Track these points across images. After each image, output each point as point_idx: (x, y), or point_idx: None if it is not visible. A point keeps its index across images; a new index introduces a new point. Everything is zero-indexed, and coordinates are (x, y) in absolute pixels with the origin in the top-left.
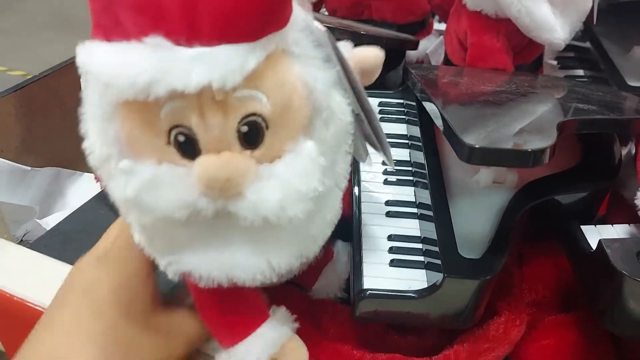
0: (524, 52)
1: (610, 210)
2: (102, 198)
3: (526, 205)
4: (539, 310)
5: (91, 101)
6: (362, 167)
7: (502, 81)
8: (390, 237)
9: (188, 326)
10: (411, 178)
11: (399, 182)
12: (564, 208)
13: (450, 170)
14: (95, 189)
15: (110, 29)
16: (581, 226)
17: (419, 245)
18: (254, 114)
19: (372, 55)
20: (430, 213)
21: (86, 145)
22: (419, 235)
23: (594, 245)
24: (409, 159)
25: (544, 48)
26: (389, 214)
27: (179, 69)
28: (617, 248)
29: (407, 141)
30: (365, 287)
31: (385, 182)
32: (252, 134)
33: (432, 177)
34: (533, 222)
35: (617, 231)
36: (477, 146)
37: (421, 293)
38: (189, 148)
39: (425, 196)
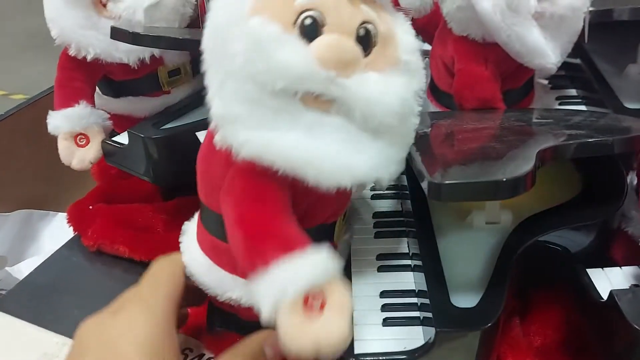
0: (513, 76)
1: (617, 248)
2: (74, 243)
3: (522, 245)
4: (548, 357)
5: None
6: (354, 221)
7: (487, 118)
8: (383, 294)
9: None
10: (403, 229)
11: (391, 234)
12: (565, 248)
13: (441, 216)
14: (69, 233)
15: None
16: (587, 270)
17: (414, 300)
18: (371, 23)
19: None
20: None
21: None
22: (414, 288)
23: (603, 292)
24: (400, 209)
25: (534, 71)
26: (381, 269)
27: None
28: (629, 300)
29: (397, 191)
30: (356, 352)
31: (377, 235)
32: (366, 39)
33: (419, 225)
34: (537, 264)
35: (625, 274)
36: (445, 182)
37: (415, 352)
38: (311, 31)
39: (417, 246)
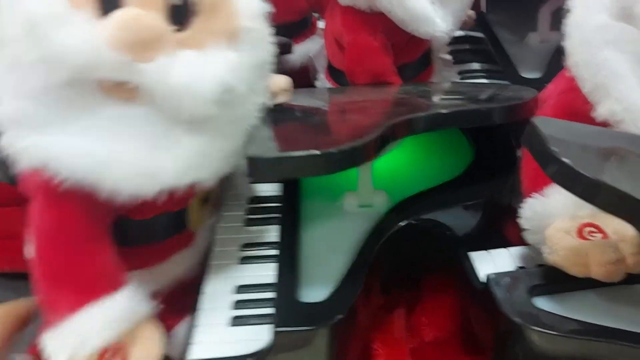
0: (407, 49)
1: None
2: None
3: (390, 229)
4: (443, 352)
5: None
6: (225, 209)
7: (366, 92)
8: (240, 289)
9: None
10: (277, 215)
11: (263, 221)
12: (451, 229)
13: (314, 200)
14: None
15: None
16: (470, 253)
17: (271, 295)
18: None
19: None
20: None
21: None
22: (271, 282)
23: (481, 273)
24: (278, 194)
25: (430, 44)
26: (244, 260)
27: None
28: (506, 285)
29: None
30: (190, 357)
31: (249, 222)
32: (182, 9)
33: (286, 210)
34: (425, 249)
35: (512, 255)
36: (261, 157)
37: (256, 356)
38: (109, 3)
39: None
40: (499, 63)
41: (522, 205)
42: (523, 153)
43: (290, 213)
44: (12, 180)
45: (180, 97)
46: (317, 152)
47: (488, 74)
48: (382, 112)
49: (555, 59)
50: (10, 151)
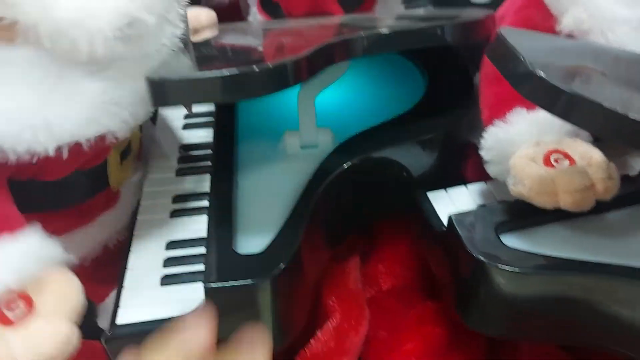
0: None
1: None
2: None
3: (334, 170)
4: (402, 300)
5: None
6: (154, 160)
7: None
8: (170, 245)
9: None
10: (209, 163)
11: (195, 171)
12: (406, 168)
13: (251, 144)
14: None
15: None
16: (428, 193)
17: (203, 250)
18: None
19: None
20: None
21: None
22: (205, 236)
23: (442, 215)
24: (210, 141)
25: None
26: (174, 214)
27: None
28: (471, 225)
29: (210, 118)
30: (117, 322)
31: (179, 172)
32: None
33: (219, 157)
34: (376, 191)
35: (471, 193)
36: (157, 78)
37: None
38: None
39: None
40: None
41: (483, 134)
42: (482, 80)
43: (223, 159)
44: None
45: (72, 34)
46: (234, 70)
47: (435, 2)
48: (319, 36)
49: None
50: None
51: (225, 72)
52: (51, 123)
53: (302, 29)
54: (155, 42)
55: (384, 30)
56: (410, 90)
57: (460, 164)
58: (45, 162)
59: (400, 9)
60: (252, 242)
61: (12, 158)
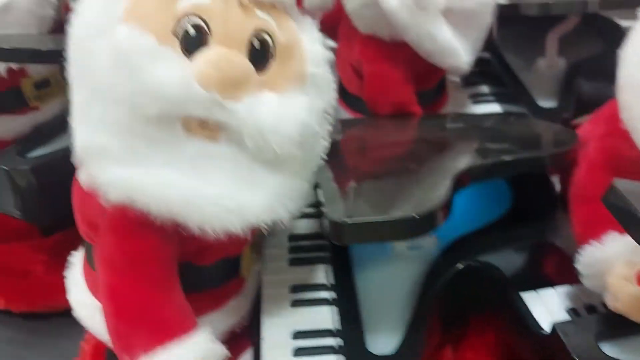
0: (426, 77)
1: (548, 263)
2: None
3: (447, 274)
4: None
5: None
6: (267, 249)
7: (402, 128)
8: (296, 335)
9: None
10: (323, 254)
11: (307, 261)
12: (498, 269)
13: None
14: None
15: None
16: (522, 294)
17: (332, 342)
18: (268, 32)
19: None
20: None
21: None
22: (331, 327)
23: (540, 320)
24: (320, 230)
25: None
26: (295, 304)
27: None
28: (573, 333)
29: (317, 208)
30: None
31: (292, 262)
32: (261, 52)
33: (335, 250)
34: (471, 288)
35: (559, 295)
36: (348, 222)
37: None
38: (194, 43)
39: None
40: (510, 87)
41: (580, 252)
42: (573, 198)
43: (339, 253)
44: (24, 214)
45: (267, 137)
46: (413, 215)
47: (499, 97)
48: (440, 158)
49: (566, 88)
50: (91, 185)
51: (408, 215)
52: (243, 208)
53: (418, 144)
54: (314, 149)
55: (506, 158)
56: (498, 198)
57: (545, 265)
58: (204, 249)
59: (468, 104)
60: (382, 341)
61: (209, 236)
